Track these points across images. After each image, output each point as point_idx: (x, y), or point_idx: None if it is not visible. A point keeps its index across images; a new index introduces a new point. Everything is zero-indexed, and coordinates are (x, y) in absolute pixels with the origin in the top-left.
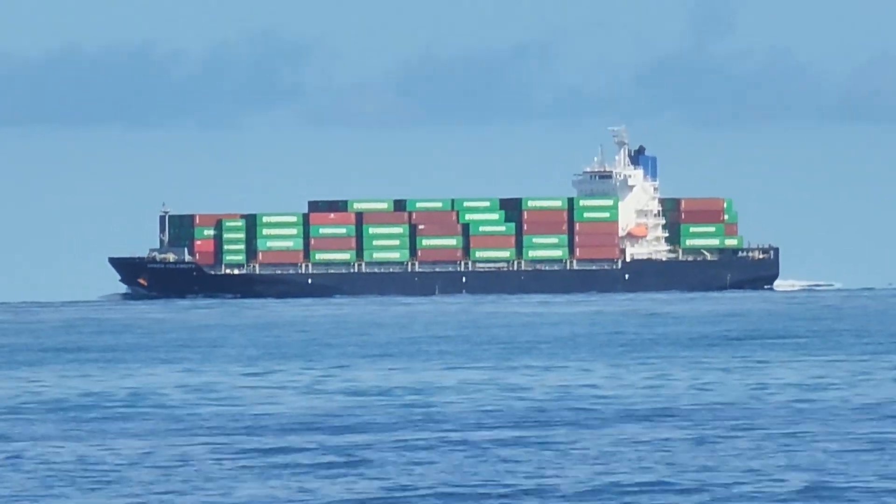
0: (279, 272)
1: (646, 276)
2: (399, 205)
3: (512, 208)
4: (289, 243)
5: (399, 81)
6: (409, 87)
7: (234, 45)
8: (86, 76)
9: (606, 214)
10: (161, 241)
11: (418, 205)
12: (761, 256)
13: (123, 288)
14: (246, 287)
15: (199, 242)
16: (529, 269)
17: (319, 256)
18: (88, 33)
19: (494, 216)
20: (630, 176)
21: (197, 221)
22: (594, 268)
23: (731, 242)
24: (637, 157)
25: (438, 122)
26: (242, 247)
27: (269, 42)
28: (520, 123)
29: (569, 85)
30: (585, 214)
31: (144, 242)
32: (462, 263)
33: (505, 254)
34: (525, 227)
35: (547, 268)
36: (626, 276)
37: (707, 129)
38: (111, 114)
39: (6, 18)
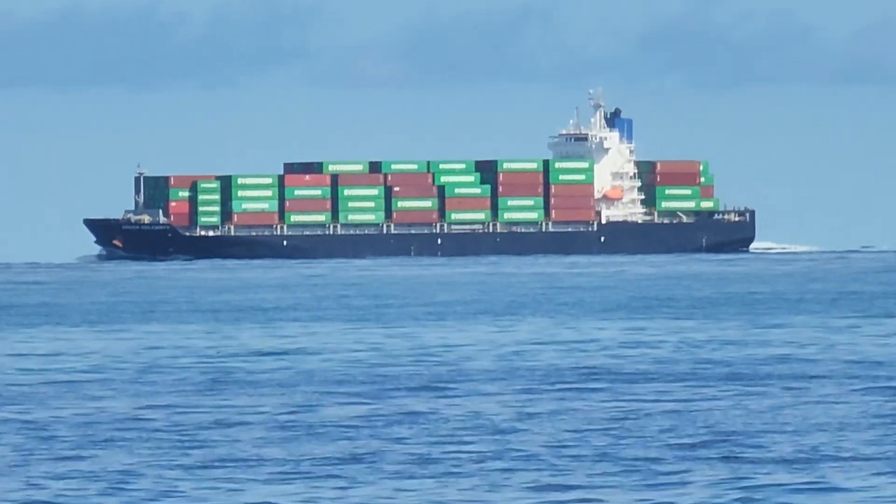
0: (254, 234)
1: (621, 238)
2: (374, 167)
3: (487, 170)
4: (264, 205)
5: (400, 44)
6: (410, 49)
7: (238, 6)
8: (87, 37)
9: (582, 177)
10: (136, 203)
11: (393, 167)
12: (737, 219)
13: (98, 249)
14: (221, 249)
15: (173, 204)
16: (505, 231)
17: (294, 218)
18: None
19: (470, 178)
20: (606, 138)
21: (172, 183)
22: (570, 230)
23: (707, 205)
24: (613, 120)
25: (435, 84)
26: (217, 208)
27: (273, 4)
28: (521, 86)
29: (571, 48)
30: (561, 177)
31: (119, 204)
32: (437, 225)
33: (480, 216)
34: (500, 189)
35: (522, 230)
36: (602, 238)
37: (706, 92)
38: (112, 76)
39: None
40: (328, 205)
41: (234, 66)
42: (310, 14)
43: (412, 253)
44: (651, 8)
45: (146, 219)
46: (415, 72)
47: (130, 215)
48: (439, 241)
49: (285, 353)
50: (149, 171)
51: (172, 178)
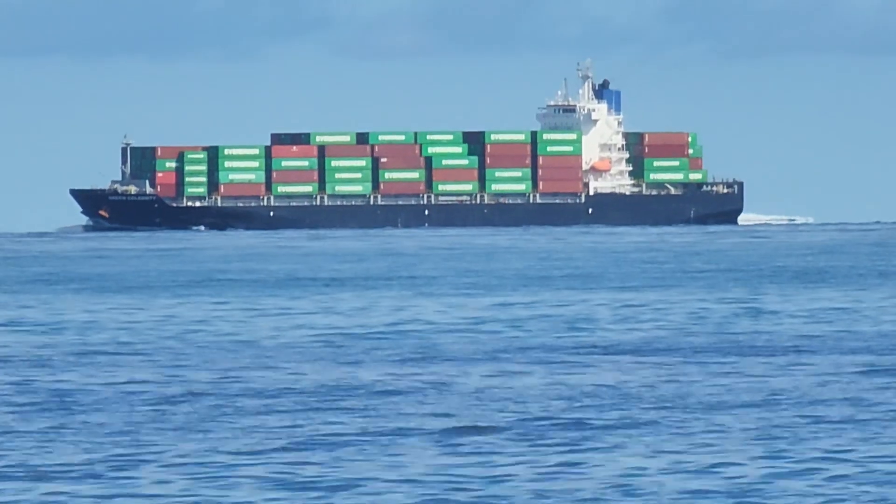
0: (241, 205)
1: (609, 210)
2: (362, 138)
3: (475, 142)
4: (251, 176)
5: (424, 13)
6: (434, 18)
7: None
8: (108, 6)
9: (570, 148)
10: (123, 173)
11: (381, 138)
12: (725, 191)
13: (84, 220)
14: (207, 219)
15: (160, 174)
16: (492, 202)
17: (281, 189)
18: None
19: (457, 149)
20: (594, 110)
21: (158, 153)
22: (557, 201)
23: (695, 177)
24: (601, 92)
25: (450, 54)
26: (204, 179)
27: None
28: (544, 54)
29: (595, 17)
30: (549, 148)
31: (106, 174)
32: (425, 196)
33: (468, 187)
34: (488, 160)
35: (510, 201)
36: (590, 210)
37: (730, 62)
38: (132, 45)
39: None
40: (315, 176)
41: (247, 36)
42: None
43: (399, 224)
44: None
45: (133, 189)
46: (434, 42)
47: (117, 186)
48: (426, 212)
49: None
50: (135, 142)
51: (159, 149)
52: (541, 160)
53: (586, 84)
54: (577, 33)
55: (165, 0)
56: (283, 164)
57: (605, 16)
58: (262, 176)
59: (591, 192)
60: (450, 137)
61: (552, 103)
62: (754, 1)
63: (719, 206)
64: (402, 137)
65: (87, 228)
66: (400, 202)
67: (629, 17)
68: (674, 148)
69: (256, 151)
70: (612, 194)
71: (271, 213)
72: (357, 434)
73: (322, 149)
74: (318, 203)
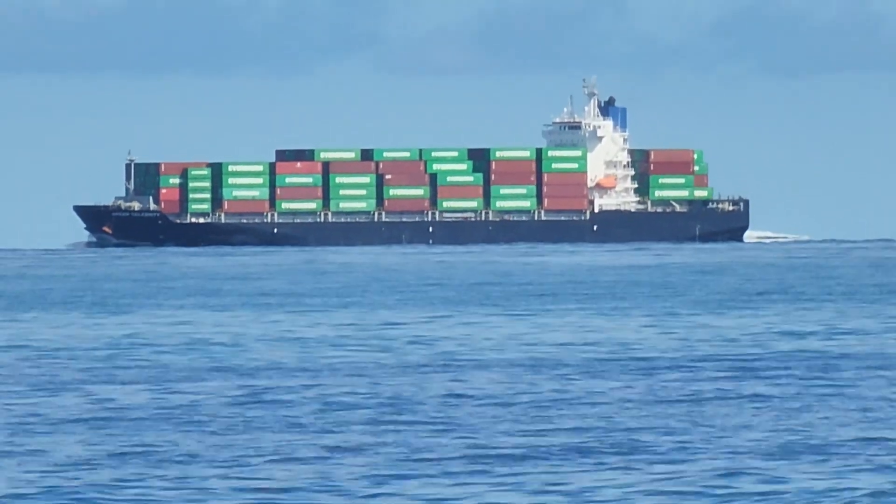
0: (245, 221)
1: (614, 227)
2: (366, 154)
3: (480, 158)
4: (255, 192)
5: (476, 30)
6: (479, 36)
7: None
8: (160, 23)
9: (575, 165)
10: (127, 190)
11: (386, 154)
12: (731, 208)
13: (87, 236)
14: (211, 236)
15: (164, 191)
16: (497, 219)
17: (285, 206)
18: None
19: (462, 166)
20: (599, 127)
21: (162, 170)
22: (562, 219)
23: (700, 194)
24: (607, 108)
25: (500, 69)
26: (208, 195)
27: None
28: (593, 72)
29: (645, 35)
30: (554, 165)
31: (110, 190)
32: (429, 213)
33: (472, 204)
34: (493, 177)
35: (515, 218)
36: (595, 227)
37: (780, 78)
38: (182, 60)
39: None
40: (319, 192)
41: (300, 52)
42: (382, 1)
43: (403, 241)
44: None
45: (136, 206)
46: (474, 60)
47: (121, 202)
48: (431, 229)
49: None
50: (139, 158)
51: (163, 165)
52: (546, 177)
53: (592, 101)
54: (626, 51)
55: (219, 17)
56: (287, 180)
57: (654, 33)
58: (265, 192)
59: (597, 209)
60: (455, 154)
61: (558, 120)
62: (804, 19)
63: (725, 224)
64: (407, 154)
65: (90, 245)
66: (404, 219)
67: (678, 35)
68: (679, 165)
69: (260, 168)
70: (618, 211)
71: (275, 230)
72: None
73: (326, 165)
74: (322, 220)
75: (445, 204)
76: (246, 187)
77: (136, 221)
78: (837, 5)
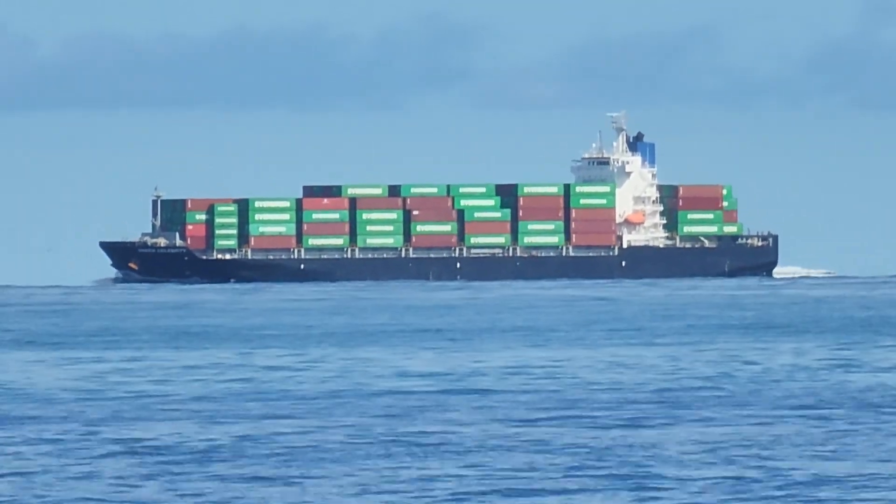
0: (271, 257)
1: (643, 262)
2: (393, 190)
3: (508, 194)
4: (281, 228)
5: (566, 64)
6: (575, 70)
7: (404, 27)
8: (254, 58)
9: (603, 201)
10: (153, 226)
11: (413, 190)
12: (760, 244)
13: (114, 272)
14: (238, 272)
15: (190, 227)
16: (525, 255)
17: (312, 242)
18: (259, 14)
19: (490, 202)
20: (628, 162)
21: (189, 206)
22: (591, 254)
23: (730, 229)
24: (635, 144)
25: (597, 104)
26: (234, 232)
27: (438, 25)
28: (686, 106)
29: (739, 69)
30: (582, 201)
31: (137, 226)
32: (456, 249)
33: (500, 240)
34: (521, 213)
35: (543, 254)
36: (623, 262)
37: (873, 111)
38: (275, 95)
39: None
40: (346, 228)
41: (395, 85)
42: (474, 35)
43: (430, 277)
44: (817, 29)
45: (162, 242)
46: (578, 92)
47: (147, 238)
48: (458, 265)
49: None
50: (166, 194)
51: (189, 202)
52: (574, 213)
53: (620, 136)
54: (721, 84)
55: (314, 51)
56: (314, 216)
57: (749, 67)
58: (292, 228)
59: (625, 245)
60: (482, 190)
61: (586, 156)
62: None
63: (754, 259)
64: (435, 190)
65: (116, 281)
66: (432, 255)
67: (772, 68)
68: (708, 200)
69: (287, 204)
70: (646, 247)
71: (302, 266)
72: None
73: (353, 201)
74: (350, 256)
75: (473, 240)
76: (273, 223)
77: (163, 258)
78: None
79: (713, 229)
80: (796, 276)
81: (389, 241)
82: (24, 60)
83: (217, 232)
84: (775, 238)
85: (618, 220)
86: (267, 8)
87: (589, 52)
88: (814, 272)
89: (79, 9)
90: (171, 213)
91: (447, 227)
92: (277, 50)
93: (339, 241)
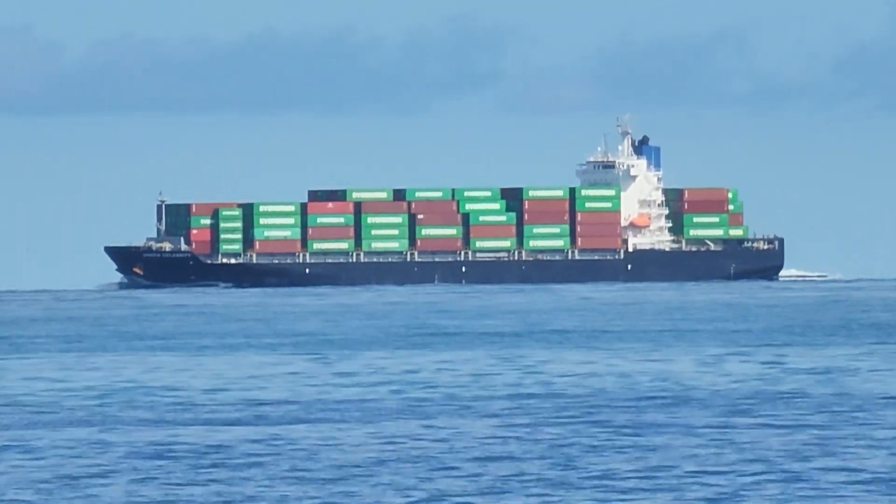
0: (276, 261)
1: (648, 266)
2: (398, 194)
3: (513, 198)
4: (286, 233)
5: (594, 67)
6: (603, 72)
7: (431, 31)
8: (280, 61)
9: (609, 205)
10: (158, 230)
11: (418, 194)
12: (766, 247)
13: (119, 277)
14: (242, 276)
15: (195, 231)
16: (530, 259)
17: (317, 246)
18: (287, 17)
19: (495, 206)
20: (633, 166)
21: (193, 210)
22: (596, 258)
23: (735, 233)
24: (641, 148)
25: (623, 106)
26: (239, 236)
27: (466, 28)
28: (713, 109)
29: (766, 72)
30: (587, 204)
31: (141, 231)
32: (462, 253)
33: (505, 244)
34: (526, 217)
35: (548, 258)
36: (629, 266)
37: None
38: (302, 98)
39: (205, 2)
40: (351, 232)
41: (422, 89)
42: (502, 38)
43: (436, 281)
44: (845, 32)
45: (167, 246)
46: (608, 95)
47: (152, 243)
48: (463, 269)
49: None
50: (171, 199)
51: (194, 206)
52: (579, 216)
53: (626, 140)
54: (746, 88)
55: (341, 55)
56: (319, 220)
57: (775, 70)
58: (297, 232)
59: (630, 249)
60: (487, 194)
61: (592, 159)
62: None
63: (760, 263)
64: (440, 194)
65: (121, 286)
66: (437, 259)
67: (798, 71)
68: (714, 204)
69: (292, 208)
70: (652, 250)
71: (307, 270)
72: None
73: (358, 205)
74: (354, 260)
75: (478, 244)
76: (277, 227)
77: (167, 262)
78: None
79: (719, 232)
80: (807, 278)
81: (394, 245)
82: (52, 65)
83: (222, 236)
84: (781, 241)
85: (623, 223)
86: (295, 11)
87: (616, 56)
88: (817, 275)
89: (106, 13)
90: (176, 217)
91: (452, 231)
92: (304, 53)
93: (344, 246)
